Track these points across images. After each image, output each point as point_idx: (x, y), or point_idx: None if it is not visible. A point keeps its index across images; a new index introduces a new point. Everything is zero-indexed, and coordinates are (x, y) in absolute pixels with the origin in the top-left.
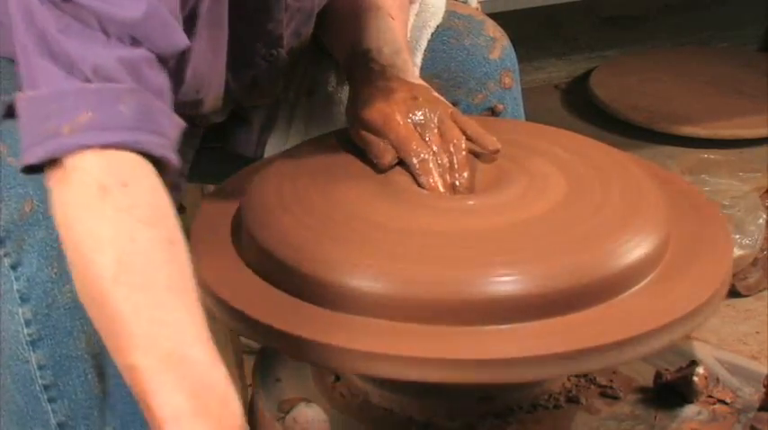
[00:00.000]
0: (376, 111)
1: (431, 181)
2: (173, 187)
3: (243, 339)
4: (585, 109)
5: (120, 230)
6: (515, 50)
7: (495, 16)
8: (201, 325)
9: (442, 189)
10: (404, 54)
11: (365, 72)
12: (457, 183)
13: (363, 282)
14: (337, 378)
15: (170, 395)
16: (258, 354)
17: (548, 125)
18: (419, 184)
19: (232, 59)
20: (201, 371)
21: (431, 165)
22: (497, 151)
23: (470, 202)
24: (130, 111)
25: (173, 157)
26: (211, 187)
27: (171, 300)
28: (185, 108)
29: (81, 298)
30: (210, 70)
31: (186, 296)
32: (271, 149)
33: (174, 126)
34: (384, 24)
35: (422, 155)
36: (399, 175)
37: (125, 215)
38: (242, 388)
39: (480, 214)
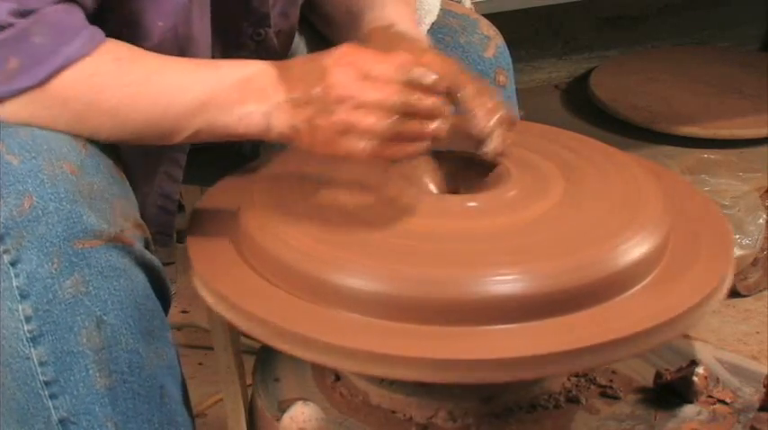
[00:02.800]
0: (434, 58)
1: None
2: (169, 177)
3: (243, 339)
4: (585, 109)
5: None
6: (516, 50)
7: (494, 16)
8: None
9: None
10: (421, 36)
11: (390, 35)
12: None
13: (363, 281)
14: (337, 378)
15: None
16: (258, 354)
17: (548, 125)
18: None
19: (219, 38)
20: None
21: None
22: (515, 123)
23: (470, 203)
24: (45, 37)
25: (99, 33)
26: None
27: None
28: None
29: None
30: (195, 33)
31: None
32: (269, 148)
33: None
34: (400, 8)
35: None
36: (398, 175)
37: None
38: (242, 388)
39: (480, 214)
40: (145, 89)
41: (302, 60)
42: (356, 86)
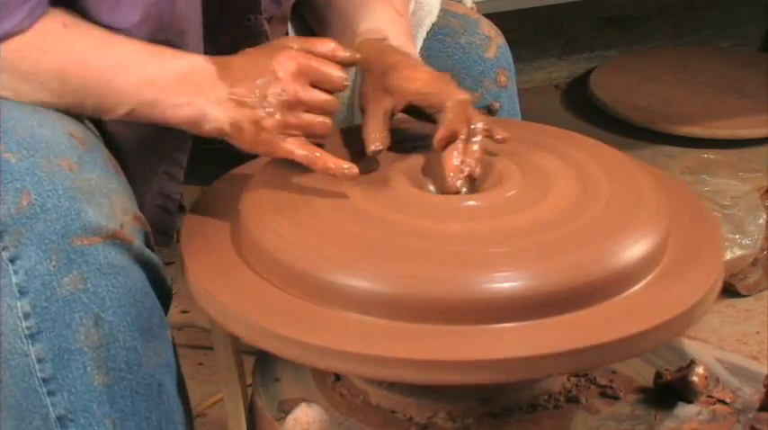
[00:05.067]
0: (424, 74)
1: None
2: (169, 177)
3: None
4: (585, 109)
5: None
6: (516, 50)
7: (495, 16)
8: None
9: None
10: (413, 51)
11: (383, 49)
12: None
13: (363, 281)
14: (337, 378)
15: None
16: (258, 354)
17: (548, 125)
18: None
19: (207, 22)
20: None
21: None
22: (505, 140)
23: (470, 202)
24: None
25: (41, 5)
26: None
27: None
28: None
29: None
30: (180, 11)
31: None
32: None
33: None
34: (394, 19)
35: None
36: (398, 175)
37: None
38: (242, 388)
39: (480, 214)
40: (93, 57)
41: (244, 58)
42: (303, 90)
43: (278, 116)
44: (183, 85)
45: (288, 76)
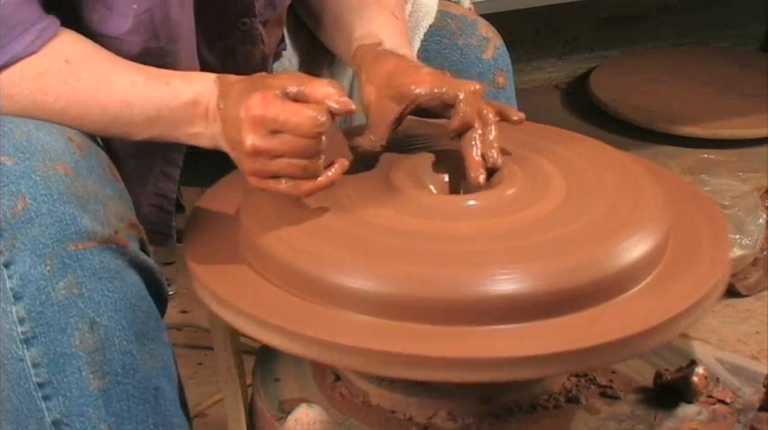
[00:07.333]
0: (427, 75)
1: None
2: (166, 177)
3: (243, 339)
4: (585, 109)
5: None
6: (515, 51)
7: (494, 16)
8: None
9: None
10: (409, 53)
11: (378, 54)
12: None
13: (363, 281)
14: (337, 378)
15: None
16: (258, 354)
17: (548, 125)
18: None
19: (203, 26)
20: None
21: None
22: (522, 121)
23: (470, 202)
24: None
25: (52, 26)
26: None
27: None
28: (155, 60)
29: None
30: (174, 18)
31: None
32: None
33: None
34: (390, 22)
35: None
36: (399, 175)
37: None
38: (242, 388)
39: (480, 214)
40: (93, 98)
41: (238, 87)
42: (261, 140)
43: (249, 163)
44: (192, 115)
45: (247, 124)
